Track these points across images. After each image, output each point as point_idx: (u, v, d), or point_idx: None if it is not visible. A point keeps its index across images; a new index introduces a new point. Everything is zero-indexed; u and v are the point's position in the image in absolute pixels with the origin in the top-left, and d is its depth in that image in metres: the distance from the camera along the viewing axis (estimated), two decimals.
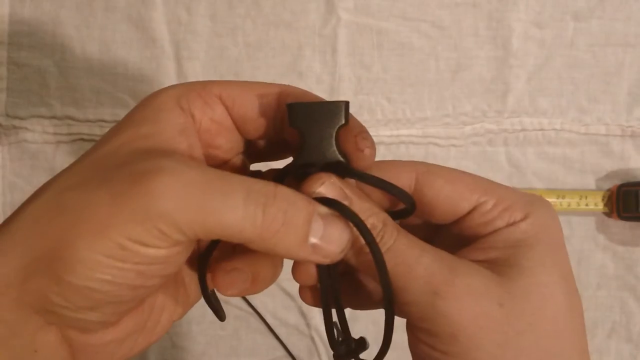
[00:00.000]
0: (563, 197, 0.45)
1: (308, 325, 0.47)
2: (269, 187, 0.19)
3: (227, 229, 0.18)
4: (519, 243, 0.21)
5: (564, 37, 0.46)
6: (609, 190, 0.45)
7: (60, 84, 0.46)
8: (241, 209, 0.18)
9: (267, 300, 0.47)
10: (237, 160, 0.25)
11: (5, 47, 0.46)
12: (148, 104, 0.22)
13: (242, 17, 0.46)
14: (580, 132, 0.46)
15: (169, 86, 0.23)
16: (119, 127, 0.21)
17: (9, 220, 0.19)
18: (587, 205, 0.45)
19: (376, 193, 0.23)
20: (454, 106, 0.46)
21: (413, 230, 0.22)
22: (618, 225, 0.46)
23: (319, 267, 0.23)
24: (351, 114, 0.22)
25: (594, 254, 0.46)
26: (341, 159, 0.22)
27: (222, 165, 0.24)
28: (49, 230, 0.18)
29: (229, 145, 0.24)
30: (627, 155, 0.46)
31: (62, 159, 0.47)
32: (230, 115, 0.23)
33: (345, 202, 0.21)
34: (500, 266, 0.21)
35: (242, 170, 0.25)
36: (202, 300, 0.50)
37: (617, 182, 0.45)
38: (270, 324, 0.47)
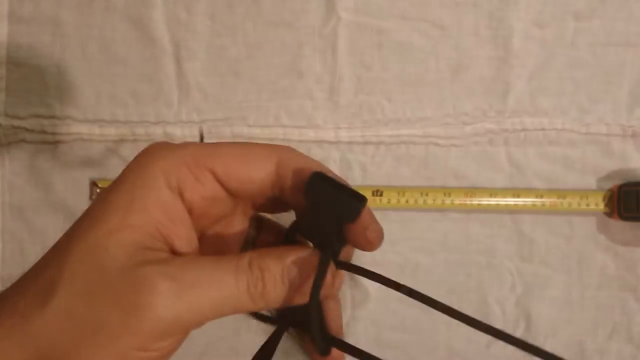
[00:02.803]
0: (564, 197, 0.45)
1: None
2: (244, 261, 0.21)
3: (222, 314, 0.21)
4: None
5: (565, 36, 0.46)
6: (609, 190, 0.45)
7: (60, 84, 0.46)
8: (235, 294, 0.21)
9: None
10: (232, 215, 0.25)
11: (4, 47, 0.46)
12: (136, 180, 0.21)
13: (242, 16, 0.46)
14: (581, 132, 0.46)
15: (159, 152, 0.21)
16: (107, 205, 0.21)
17: (19, 320, 0.20)
18: (587, 205, 0.45)
19: None
20: (454, 106, 0.46)
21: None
22: (619, 226, 0.46)
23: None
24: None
25: (594, 254, 0.46)
26: (336, 246, 0.22)
27: (216, 223, 0.24)
28: (63, 340, 0.19)
29: (221, 210, 0.23)
30: (628, 155, 0.46)
31: (62, 159, 0.46)
32: (223, 188, 0.22)
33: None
34: None
35: (237, 224, 0.25)
36: None
37: (618, 182, 0.45)
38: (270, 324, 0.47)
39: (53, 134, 0.46)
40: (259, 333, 0.47)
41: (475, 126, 0.46)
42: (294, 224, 0.23)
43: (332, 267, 0.22)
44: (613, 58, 0.46)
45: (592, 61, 0.46)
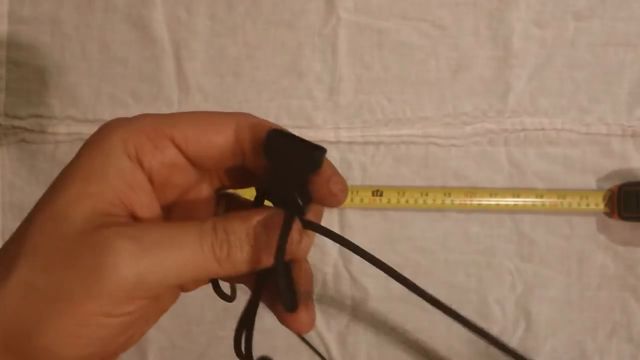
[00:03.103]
0: (564, 197, 0.45)
1: None
2: (207, 224, 0.21)
3: (188, 276, 0.20)
4: None
5: (565, 36, 0.46)
6: (609, 190, 0.45)
7: (60, 84, 0.46)
8: (199, 256, 0.20)
9: None
10: (198, 189, 0.24)
11: (4, 47, 0.46)
12: (94, 150, 0.21)
13: (242, 16, 0.46)
14: (581, 132, 0.46)
15: (117, 124, 0.21)
16: (66, 177, 0.21)
17: None
18: (587, 205, 0.45)
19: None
20: (454, 106, 0.46)
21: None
22: (619, 226, 0.46)
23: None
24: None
25: (594, 254, 0.46)
26: (299, 202, 0.22)
27: (182, 196, 0.24)
28: (24, 313, 0.19)
29: (184, 180, 0.23)
30: (628, 155, 0.46)
31: (62, 159, 0.46)
32: (183, 155, 0.22)
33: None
34: None
35: (204, 198, 0.25)
36: (200, 301, 0.50)
37: (618, 182, 0.45)
38: (269, 325, 0.47)
39: (53, 134, 0.46)
40: (259, 332, 0.47)
41: (475, 126, 0.46)
42: (259, 188, 0.23)
43: (298, 225, 0.22)
44: (613, 58, 0.46)
45: (592, 61, 0.46)
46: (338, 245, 0.26)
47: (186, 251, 0.20)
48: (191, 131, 0.21)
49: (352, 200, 0.45)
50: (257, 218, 0.21)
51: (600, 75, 0.46)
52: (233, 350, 0.52)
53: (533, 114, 0.46)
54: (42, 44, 0.46)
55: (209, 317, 0.47)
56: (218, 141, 0.22)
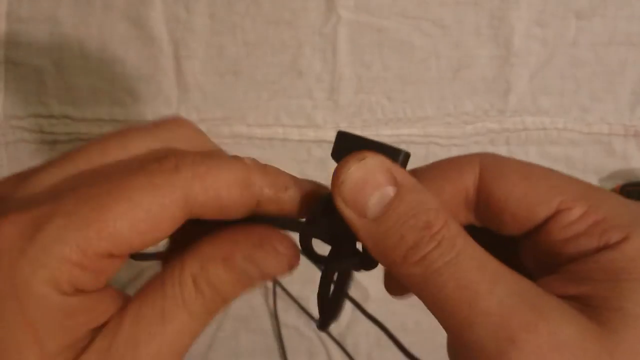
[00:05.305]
0: None
1: (308, 326, 0.47)
2: (187, 285, 0.17)
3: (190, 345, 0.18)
4: (621, 275, 0.15)
5: (566, 35, 0.46)
6: (611, 190, 0.45)
7: (58, 83, 0.46)
8: (192, 325, 0.17)
9: (269, 300, 0.46)
10: None
11: (2, 46, 0.46)
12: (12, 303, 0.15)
13: (242, 15, 0.46)
14: (583, 131, 0.45)
15: (20, 256, 0.15)
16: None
17: None
18: None
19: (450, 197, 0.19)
20: (455, 105, 0.46)
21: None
22: None
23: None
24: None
25: None
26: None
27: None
28: None
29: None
30: (629, 155, 0.45)
31: None
32: (117, 257, 0.16)
33: (393, 189, 0.17)
34: (596, 307, 0.15)
35: None
36: None
37: (620, 182, 0.45)
38: (270, 325, 0.46)
39: (51, 133, 0.46)
40: (258, 332, 0.47)
41: (476, 125, 0.46)
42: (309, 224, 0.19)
43: None
44: (615, 57, 0.46)
45: (594, 60, 0.46)
46: None
47: (183, 334, 0.16)
48: (121, 230, 0.15)
49: None
50: (240, 254, 0.17)
51: (602, 75, 0.46)
52: (232, 351, 0.52)
53: (534, 113, 0.46)
54: (41, 43, 0.46)
55: None
56: (168, 230, 0.17)
